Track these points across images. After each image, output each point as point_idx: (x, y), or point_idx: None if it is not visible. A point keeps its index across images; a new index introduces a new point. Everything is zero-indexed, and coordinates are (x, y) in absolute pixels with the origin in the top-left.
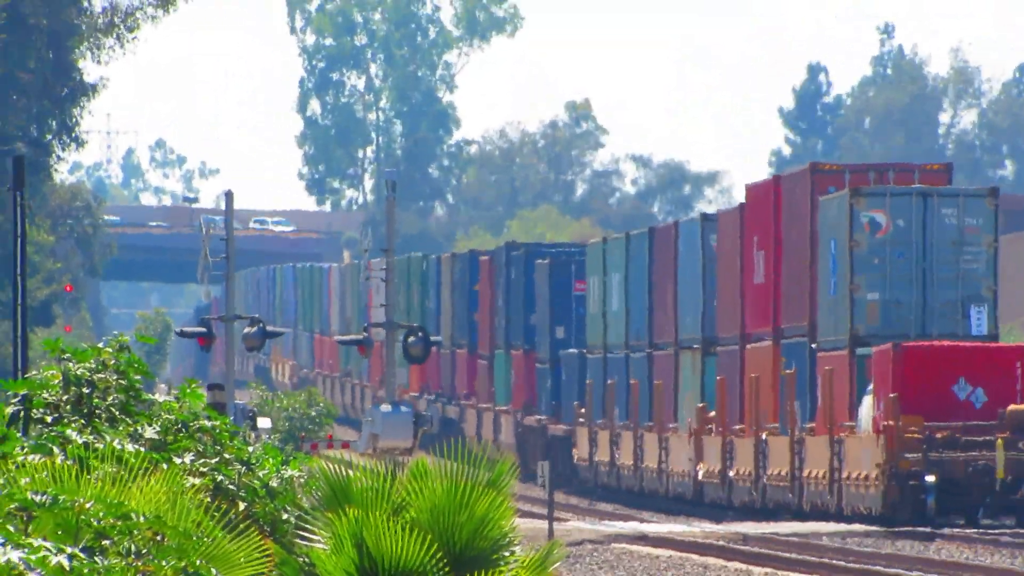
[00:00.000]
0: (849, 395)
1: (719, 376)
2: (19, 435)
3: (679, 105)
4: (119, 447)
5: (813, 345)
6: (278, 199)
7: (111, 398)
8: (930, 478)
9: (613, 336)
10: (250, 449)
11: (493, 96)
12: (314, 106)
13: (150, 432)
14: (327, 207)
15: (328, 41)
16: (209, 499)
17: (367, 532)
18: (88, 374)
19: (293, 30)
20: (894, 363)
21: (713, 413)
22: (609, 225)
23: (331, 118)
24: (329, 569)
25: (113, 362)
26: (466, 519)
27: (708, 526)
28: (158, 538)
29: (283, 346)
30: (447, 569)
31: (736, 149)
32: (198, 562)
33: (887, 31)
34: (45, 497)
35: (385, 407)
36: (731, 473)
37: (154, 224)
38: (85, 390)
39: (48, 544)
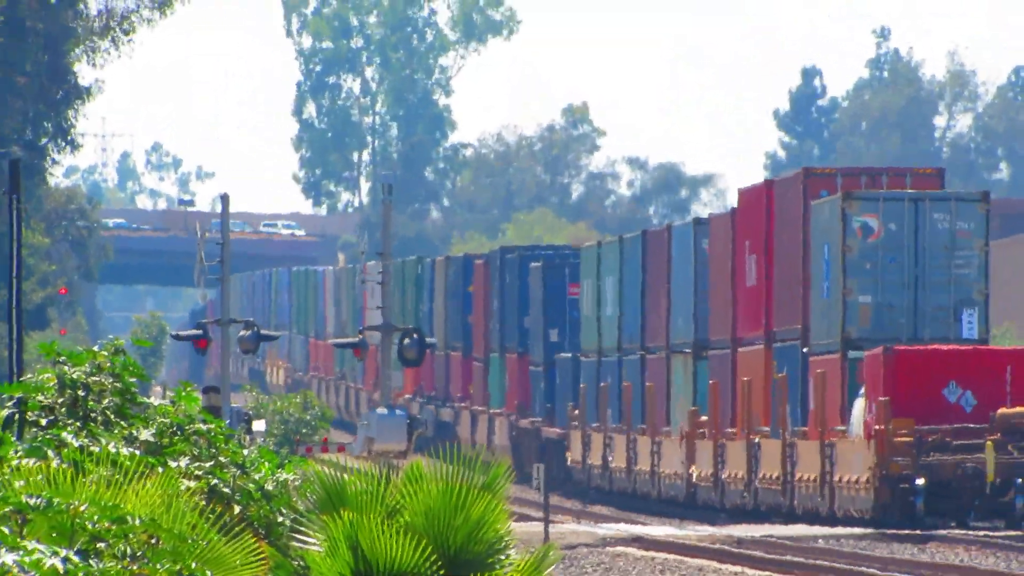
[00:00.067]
0: (841, 398)
1: (711, 379)
2: (14, 438)
3: (674, 105)
4: (114, 450)
5: (805, 349)
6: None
7: (106, 401)
8: (920, 481)
9: (607, 339)
10: (245, 452)
11: (489, 99)
12: (310, 109)
13: (145, 435)
14: (323, 210)
15: (324, 44)
16: (204, 502)
17: (362, 535)
18: (83, 377)
19: (289, 33)
20: (885, 366)
21: (705, 416)
22: (605, 228)
23: (327, 121)
24: (324, 572)
25: (108, 365)
26: (461, 522)
27: (702, 529)
28: (153, 541)
29: (278, 349)
30: (442, 572)
31: (731, 150)
32: (193, 565)
33: (883, 34)
34: (40, 500)
35: (380, 410)
36: (723, 476)
37: (147, 227)
38: (80, 393)
39: (43, 547)
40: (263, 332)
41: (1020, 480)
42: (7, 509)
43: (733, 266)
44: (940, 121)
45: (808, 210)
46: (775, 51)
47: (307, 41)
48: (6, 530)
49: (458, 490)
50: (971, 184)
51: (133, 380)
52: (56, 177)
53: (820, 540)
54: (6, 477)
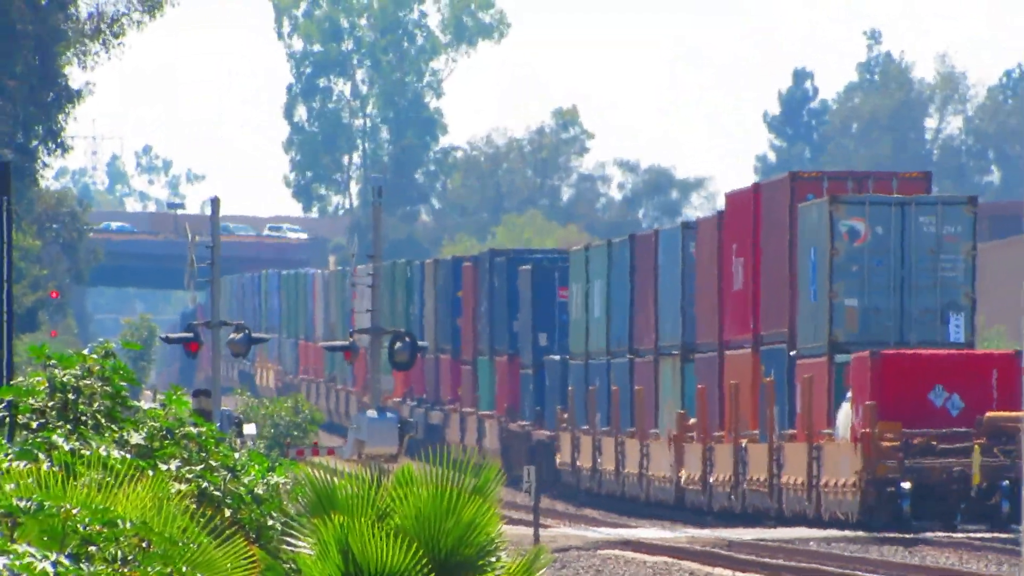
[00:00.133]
0: (828, 402)
1: (699, 383)
2: (4, 441)
3: (668, 106)
4: (105, 453)
5: (792, 352)
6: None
7: (97, 404)
8: (906, 484)
9: (595, 342)
10: (236, 456)
11: (480, 101)
12: (300, 112)
13: (136, 438)
14: (313, 213)
15: (315, 47)
16: (195, 505)
17: (353, 538)
18: (74, 380)
19: (280, 36)
20: (872, 370)
21: (693, 420)
22: (595, 231)
23: (318, 124)
24: (315, 575)
25: (99, 368)
26: (452, 525)
27: (692, 531)
28: (144, 544)
29: (268, 352)
30: (432, 575)
31: (725, 151)
32: (184, 568)
33: (874, 36)
34: (31, 503)
35: (371, 413)
36: (711, 479)
37: (137, 229)
38: (71, 396)
39: (33, 550)
40: (254, 335)
41: (1006, 483)
42: None
43: (720, 270)
44: (931, 124)
45: (795, 214)
46: (774, 52)
47: (298, 44)
48: None
49: (449, 493)
50: (961, 187)
51: (123, 383)
52: (46, 180)
53: (812, 543)
54: None
